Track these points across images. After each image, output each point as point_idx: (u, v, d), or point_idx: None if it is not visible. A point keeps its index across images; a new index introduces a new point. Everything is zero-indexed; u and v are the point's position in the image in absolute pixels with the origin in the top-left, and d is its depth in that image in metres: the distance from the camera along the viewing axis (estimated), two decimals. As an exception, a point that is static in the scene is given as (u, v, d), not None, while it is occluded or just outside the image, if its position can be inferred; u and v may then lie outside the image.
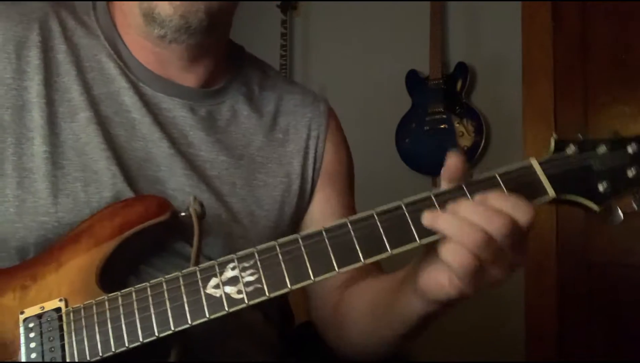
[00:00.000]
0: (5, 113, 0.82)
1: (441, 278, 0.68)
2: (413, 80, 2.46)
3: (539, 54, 2.27)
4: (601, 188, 0.72)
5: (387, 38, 2.61)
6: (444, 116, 2.36)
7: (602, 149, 0.73)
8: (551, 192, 0.71)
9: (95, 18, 0.91)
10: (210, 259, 0.81)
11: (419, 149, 2.41)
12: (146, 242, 0.79)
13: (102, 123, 0.85)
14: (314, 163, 0.98)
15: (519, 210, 0.65)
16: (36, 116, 0.82)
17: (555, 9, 2.26)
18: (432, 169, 2.41)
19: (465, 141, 2.33)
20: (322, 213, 0.98)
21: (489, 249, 0.64)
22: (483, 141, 2.31)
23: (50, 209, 0.79)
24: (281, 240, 0.71)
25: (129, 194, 0.81)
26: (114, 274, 0.75)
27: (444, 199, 0.70)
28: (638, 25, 2.13)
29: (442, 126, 2.36)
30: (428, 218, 0.67)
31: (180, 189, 0.85)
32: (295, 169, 0.96)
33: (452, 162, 0.70)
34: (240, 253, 0.71)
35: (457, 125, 2.34)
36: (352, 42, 2.69)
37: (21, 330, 0.71)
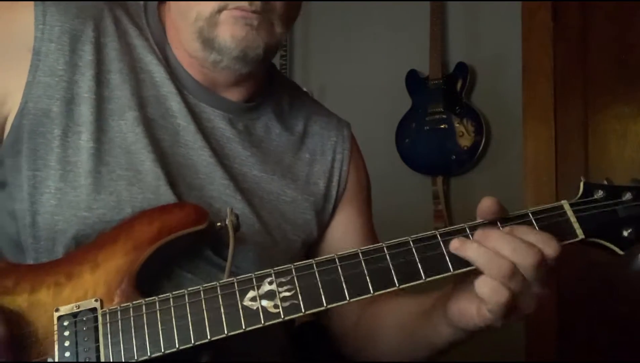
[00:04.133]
0: (54, 104, 0.83)
1: (470, 309, 0.72)
2: (413, 80, 2.46)
3: (539, 54, 2.27)
4: (625, 233, 0.76)
5: (387, 38, 2.61)
6: (444, 116, 2.36)
7: (627, 196, 0.77)
8: (580, 234, 0.75)
9: (146, 20, 0.93)
10: (240, 268, 0.82)
11: (419, 149, 2.41)
12: (180, 248, 0.79)
13: (149, 125, 0.86)
14: (338, 185, 1.01)
15: (546, 244, 0.70)
16: (85, 111, 0.83)
17: (555, 9, 2.26)
18: (432, 169, 2.41)
19: (465, 141, 2.33)
20: (343, 231, 1.01)
21: (516, 280, 0.68)
22: (483, 141, 2.31)
23: (92, 205, 0.80)
24: (318, 259, 0.73)
25: (171, 197, 0.82)
26: (147, 277, 0.76)
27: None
28: (638, 25, 2.13)
29: (442, 126, 2.36)
30: (456, 245, 0.71)
31: (217, 197, 0.87)
32: (320, 189, 0.99)
33: (487, 205, 0.74)
34: (278, 268, 0.72)
35: (457, 125, 2.34)
36: (352, 42, 2.69)
37: (55, 327, 0.71)
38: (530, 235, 0.71)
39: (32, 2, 0.84)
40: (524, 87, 2.29)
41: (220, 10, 0.84)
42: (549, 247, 0.70)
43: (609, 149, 2.19)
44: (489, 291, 0.69)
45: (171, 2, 0.90)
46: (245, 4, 0.83)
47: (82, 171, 0.81)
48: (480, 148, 2.31)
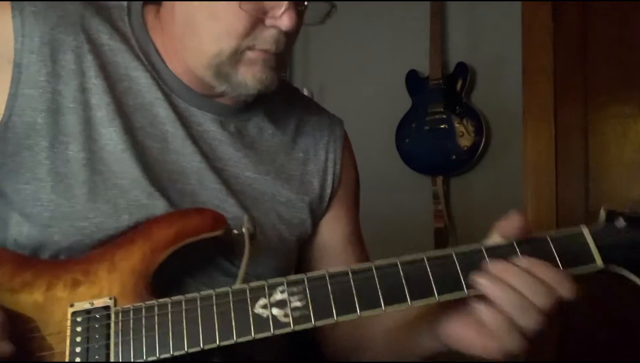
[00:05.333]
0: (39, 116, 0.81)
1: (473, 339, 0.71)
2: (413, 80, 2.47)
3: (539, 54, 2.27)
4: None
5: (387, 38, 2.61)
6: (444, 116, 2.36)
7: None
8: (599, 262, 0.73)
9: (129, 24, 0.90)
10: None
11: (419, 149, 2.41)
12: (193, 253, 0.79)
13: (137, 133, 0.85)
14: (332, 185, 1.01)
15: (563, 286, 0.69)
16: (72, 121, 0.82)
17: (555, 9, 2.26)
18: (432, 169, 2.41)
19: (465, 141, 2.33)
20: (331, 231, 1.01)
21: (529, 316, 0.68)
22: (483, 141, 2.31)
23: (88, 215, 0.79)
24: (331, 270, 0.72)
25: (162, 204, 0.82)
26: (162, 279, 0.76)
27: (494, 254, 0.72)
28: (638, 25, 2.13)
29: (442, 126, 2.36)
30: (479, 281, 0.70)
31: (209, 202, 0.87)
32: (314, 189, 0.98)
33: (518, 222, 0.72)
34: (291, 277, 0.72)
35: (457, 125, 2.34)
36: (352, 43, 2.69)
37: (69, 323, 0.72)
38: (548, 273, 0.69)
39: (10, 13, 0.82)
40: (524, 87, 2.29)
41: (244, 50, 0.83)
42: (564, 289, 0.69)
43: (609, 149, 2.19)
44: (492, 321, 0.68)
45: (177, 15, 0.87)
46: (273, 46, 0.83)
47: (75, 182, 0.80)
48: (480, 148, 2.31)
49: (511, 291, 0.68)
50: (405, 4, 2.54)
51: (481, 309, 0.69)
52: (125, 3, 0.92)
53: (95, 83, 0.84)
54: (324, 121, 1.05)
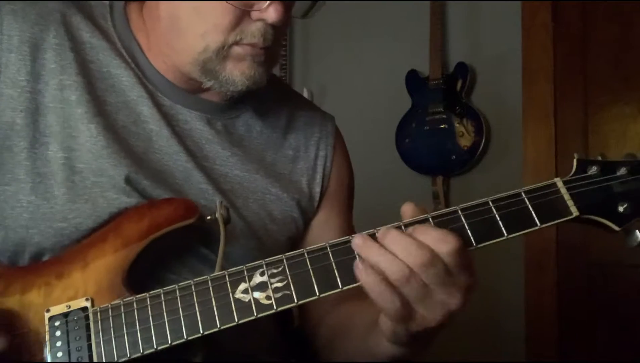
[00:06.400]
0: (17, 116, 0.80)
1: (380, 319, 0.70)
2: (413, 80, 2.46)
3: (539, 54, 2.27)
4: (621, 209, 0.74)
5: (387, 38, 2.61)
6: (444, 116, 2.36)
7: (622, 171, 0.75)
8: (575, 211, 0.73)
9: (111, 22, 0.89)
10: (225, 269, 0.81)
11: (419, 149, 2.41)
12: (169, 244, 0.78)
13: (120, 132, 0.84)
14: (322, 182, 0.99)
15: (440, 241, 0.67)
16: (52, 121, 0.81)
17: (555, 9, 2.26)
18: (432, 169, 2.41)
19: (465, 141, 2.33)
20: (320, 232, 0.98)
21: (410, 285, 0.66)
22: (483, 141, 2.31)
23: (67, 215, 0.78)
24: (309, 248, 0.72)
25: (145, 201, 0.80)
26: (137, 275, 0.75)
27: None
28: (638, 25, 2.13)
29: (442, 126, 2.36)
30: (358, 242, 0.69)
31: (196, 202, 0.84)
32: (303, 187, 0.97)
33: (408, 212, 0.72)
34: (269, 259, 0.72)
35: (457, 125, 2.34)
36: (352, 42, 2.69)
37: (47, 328, 0.71)
38: (426, 234, 0.67)
39: None
40: (524, 87, 2.29)
41: (231, 45, 0.82)
42: (444, 243, 0.66)
43: (609, 149, 2.19)
44: (377, 296, 0.67)
45: (162, 12, 0.86)
46: (260, 40, 0.82)
47: (54, 182, 0.79)
48: (480, 148, 2.31)
49: (389, 255, 0.67)
50: (405, 4, 2.54)
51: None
52: (107, 3, 0.91)
53: (76, 80, 0.83)
54: (315, 117, 1.03)
